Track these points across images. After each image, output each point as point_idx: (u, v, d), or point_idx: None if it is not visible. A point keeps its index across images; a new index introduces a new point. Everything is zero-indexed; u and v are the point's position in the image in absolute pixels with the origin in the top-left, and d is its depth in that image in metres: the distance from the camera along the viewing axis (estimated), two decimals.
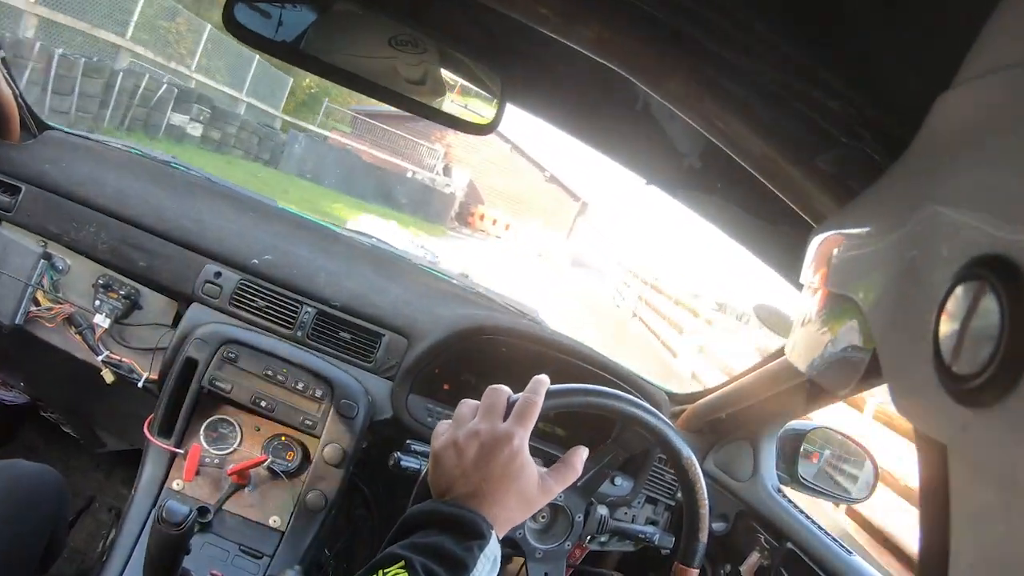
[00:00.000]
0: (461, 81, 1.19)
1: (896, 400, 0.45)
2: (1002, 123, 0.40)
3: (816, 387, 1.63)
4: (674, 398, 2.05)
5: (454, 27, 1.12)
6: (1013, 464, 0.33)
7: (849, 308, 0.57)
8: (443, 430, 1.00)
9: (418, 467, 1.53)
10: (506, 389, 1.03)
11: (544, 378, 1.06)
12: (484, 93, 1.16)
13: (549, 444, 1.87)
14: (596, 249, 30.55)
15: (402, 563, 0.81)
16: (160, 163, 2.08)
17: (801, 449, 1.92)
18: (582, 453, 1.08)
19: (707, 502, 1.32)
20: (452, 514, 0.89)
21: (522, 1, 0.88)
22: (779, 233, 1.23)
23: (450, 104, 1.18)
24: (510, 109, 1.15)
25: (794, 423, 1.91)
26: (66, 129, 2.05)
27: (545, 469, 1.02)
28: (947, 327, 0.38)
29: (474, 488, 0.92)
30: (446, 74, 1.17)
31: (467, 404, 1.04)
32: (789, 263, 1.45)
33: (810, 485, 1.94)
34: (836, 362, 0.62)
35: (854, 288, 0.57)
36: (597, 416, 1.27)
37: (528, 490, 0.96)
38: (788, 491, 1.94)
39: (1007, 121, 0.39)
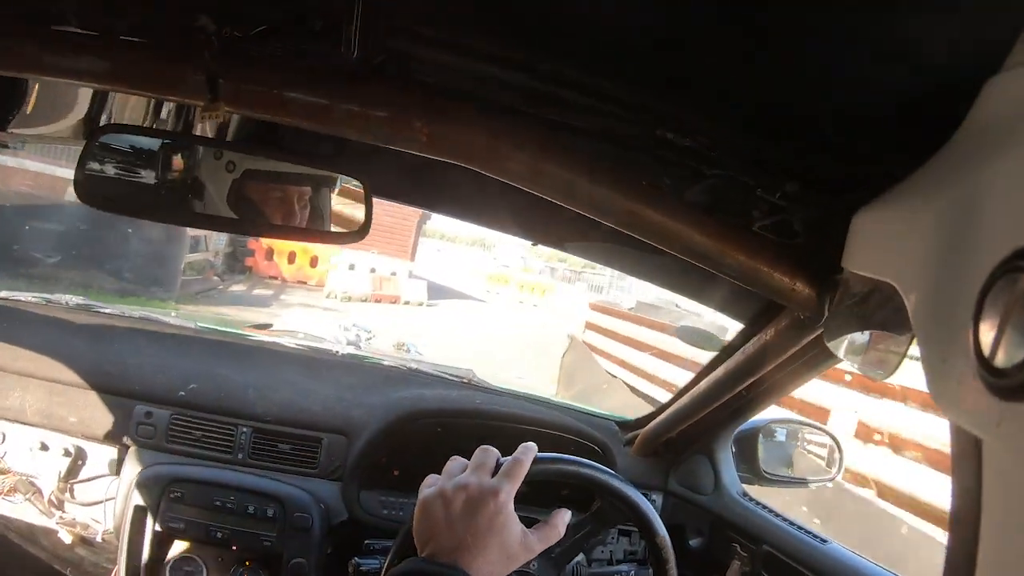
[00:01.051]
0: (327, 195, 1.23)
1: (932, 390, 0.44)
2: None
3: (757, 391, 1.68)
4: (625, 426, 2.08)
5: (305, 145, 1.16)
6: None
7: (889, 294, 0.57)
8: (432, 481, 1.02)
9: (378, 567, 1.54)
10: (495, 450, 1.06)
11: (532, 445, 1.09)
12: (348, 200, 1.19)
13: (519, 507, 1.88)
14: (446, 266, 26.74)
15: None
16: (72, 309, 2.08)
17: (757, 445, 1.96)
18: (565, 516, 1.09)
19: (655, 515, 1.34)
20: (436, 572, 0.91)
21: (348, 120, 0.91)
22: (672, 261, 1.25)
23: (322, 221, 1.22)
24: (379, 203, 1.19)
25: (746, 424, 1.95)
26: None
27: (527, 528, 1.03)
28: (988, 319, 0.37)
29: (458, 541, 0.94)
30: (310, 193, 1.20)
31: (457, 460, 1.06)
32: (688, 284, 1.50)
33: (776, 478, 1.97)
34: (875, 348, 0.63)
35: (895, 274, 0.56)
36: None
37: (511, 545, 0.98)
38: (756, 491, 1.98)
39: None
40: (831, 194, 0.92)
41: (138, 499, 1.70)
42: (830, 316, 0.91)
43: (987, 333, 0.37)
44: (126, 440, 1.82)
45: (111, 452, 1.86)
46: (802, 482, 2.04)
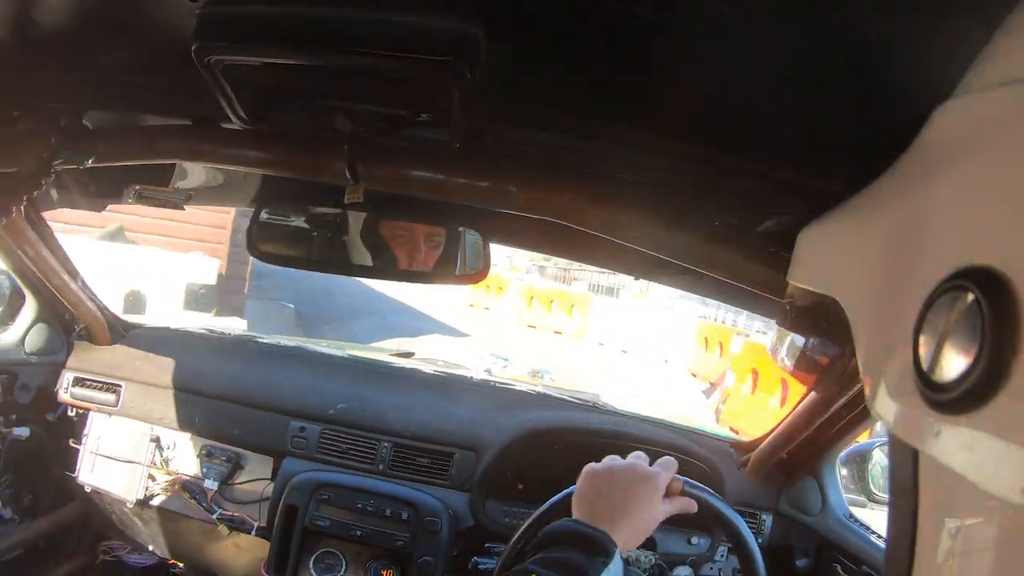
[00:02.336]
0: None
1: (871, 402, 0.46)
2: (997, 137, 0.40)
3: (852, 411, 1.69)
4: (740, 446, 2.14)
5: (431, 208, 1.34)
6: (983, 473, 0.33)
7: (832, 309, 0.58)
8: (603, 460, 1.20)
9: (493, 565, 1.68)
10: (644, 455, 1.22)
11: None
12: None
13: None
14: None
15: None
16: (233, 339, 2.37)
17: (869, 467, 1.96)
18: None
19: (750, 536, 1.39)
20: (586, 533, 1.04)
21: (458, 190, 1.07)
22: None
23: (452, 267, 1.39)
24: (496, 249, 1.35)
25: (856, 445, 1.95)
26: (148, 324, 2.36)
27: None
28: (928, 336, 0.38)
29: (616, 507, 1.10)
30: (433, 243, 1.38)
31: (614, 456, 1.23)
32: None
33: (884, 501, 1.96)
34: (814, 359, 0.67)
35: (838, 289, 0.58)
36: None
37: (653, 520, 1.14)
38: (866, 513, 1.98)
39: (1004, 135, 0.39)
40: None
41: (291, 499, 1.95)
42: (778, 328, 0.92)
43: (926, 349, 0.38)
44: (282, 450, 2.08)
45: (268, 460, 2.13)
46: None
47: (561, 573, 0.97)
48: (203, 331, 2.42)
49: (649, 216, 1.08)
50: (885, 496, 1.91)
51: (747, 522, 1.42)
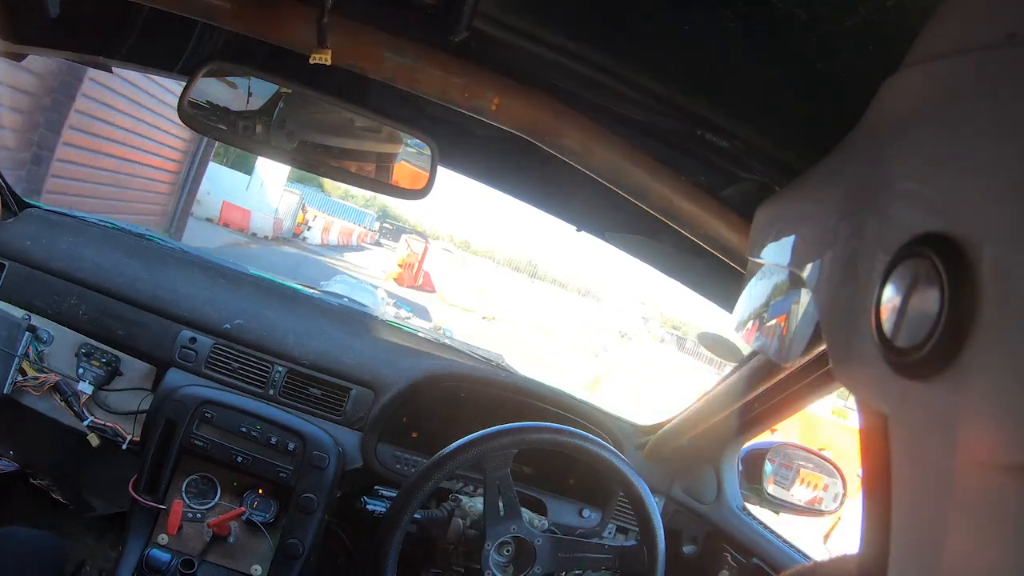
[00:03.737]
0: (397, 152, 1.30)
1: (837, 371, 0.47)
2: (948, 107, 0.41)
3: (764, 407, 1.72)
4: (641, 429, 2.13)
5: (387, 105, 1.24)
6: (951, 434, 0.34)
7: (794, 281, 0.59)
8: None
9: (383, 510, 1.61)
10: None
11: None
12: (417, 161, 1.27)
13: (520, 483, 1.94)
14: None
15: None
16: (135, 236, 2.19)
17: (765, 466, 1.99)
18: None
19: (656, 512, 1.38)
20: None
21: (431, 82, 0.99)
22: (707, 265, 1.30)
23: (388, 175, 1.30)
24: (441, 171, 1.27)
25: (755, 442, 1.98)
26: (45, 207, 2.15)
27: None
28: (889, 302, 0.39)
29: None
30: (383, 148, 1.28)
31: None
32: (719, 291, 1.55)
33: (776, 501, 2.00)
34: (780, 333, 0.64)
35: (798, 262, 0.59)
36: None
37: None
38: (755, 508, 2.02)
39: (953, 105, 0.40)
40: None
41: (170, 414, 1.81)
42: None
43: (888, 315, 0.39)
44: (167, 360, 1.93)
45: (151, 369, 1.97)
46: (801, 509, 2.07)
47: None
48: (104, 223, 2.22)
49: (621, 149, 1.03)
50: (778, 498, 1.96)
51: None
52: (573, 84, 1.02)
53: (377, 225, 42.86)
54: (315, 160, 1.23)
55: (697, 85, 0.92)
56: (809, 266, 0.56)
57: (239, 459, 1.80)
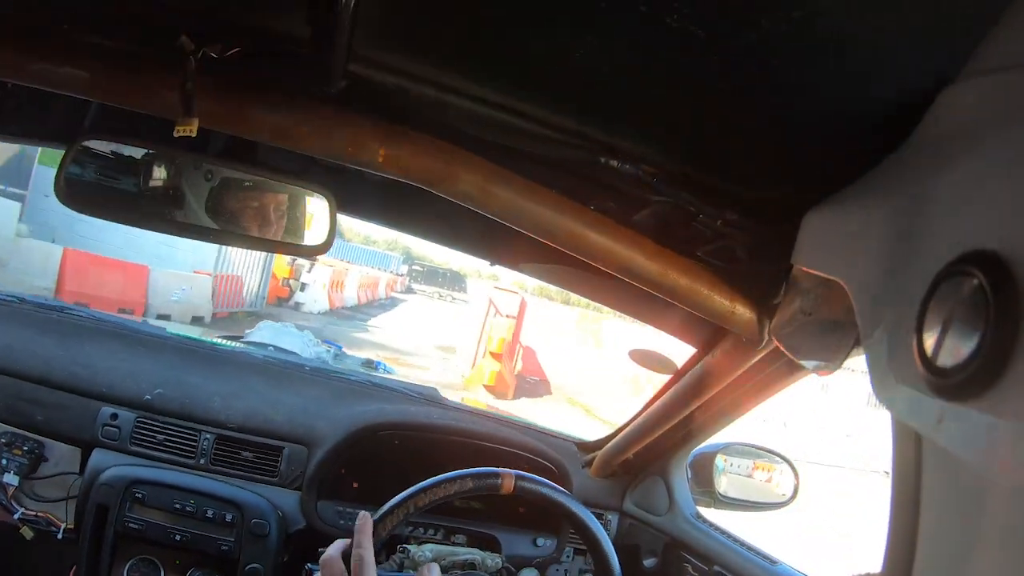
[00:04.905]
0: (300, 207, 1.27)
1: (876, 387, 0.46)
2: (1004, 121, 0.40)
3: (708, 414, 1.72)
4: (584, 446, 2.12)
5: (279, 160, 1.21)
6: (986, 457, 0.33)
7: (837, 292, 0.58)
8: None
9: None
10: (336, 556, 1.10)
11: (361, 523, 1.12)
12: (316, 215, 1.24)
13: (470, 521, 1.92)
14: None
15: None
16: (46, 310, 2.10)
17: (715, 468, 2.00)
18: (430, 574, 1.13)
19: (605, 537, 1.37)
20: None
21: (311, 139, 0.96)
22: (626, 285, 1.29)
23: (294, 232, 1.26)
24: (343, 220, 1.24)
25: (702, 446, 1.99)
26: None
27: None
28: (932, 320, 0.38)
29: None
30: (284, 205, 1.25)
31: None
32: (644, 309, 1.55)
33: (730, 501, 2.01)
34: (821, 344, 0.65)
35: (843, 273, 0.57)
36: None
37: None
38: (712, 512, 2.02)
39: (1009, 120, 0.39)
40: (770, 222, 0.96)
41: (100, 498, 1.73)
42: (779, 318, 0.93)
43: (930, 334, 0.38)
44: (91, 440, 1.84)
45: (76, 452, 1.88)
46: (756, 506, 2.08)
47: None
48: (11, 298, 2.13)
49: (521, 188, 1.02)
50: (732, 498, 1.97)
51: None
52: (465, 123, 0.99)
53: (405, 268, 39.41)
54: (209, 230, 1.19)
55: (595, 111, 0.90)
56: (854, 278, 0.55)
57: (177, 537, 1.73)
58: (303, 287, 17.29)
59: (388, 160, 0.97)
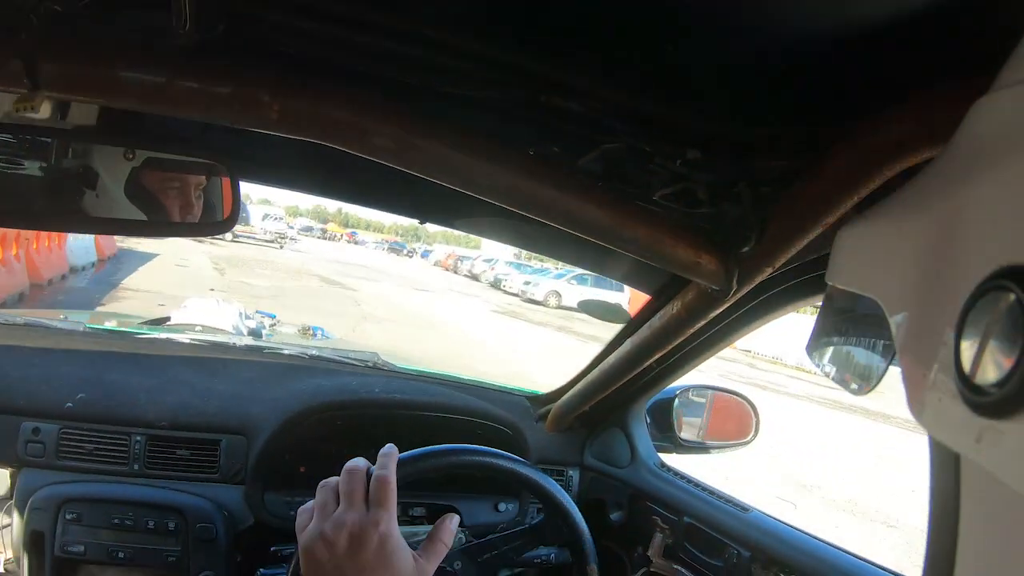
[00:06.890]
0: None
1: (912, 405, 0.44)
2: None
3: (667, 363, 1.66)
4: (536, 400, 2.06)
5: (167, 129, 1.04)
6: None
7: (872, 309, 0.57)
8: (305, 520, 0.96)
9: (284, 574, 1.46)
10: (361, 468, 0.98)
11: (389, 450, 1.02)
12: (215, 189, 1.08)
13: (427, 493, 1.83)
14: None
15: None
16: None
17: (674, 413, 1.96)
18: (450, 523, 1.06)
19: (581, 520, 1.32)
20: None
21: (189, 99, 0.80)
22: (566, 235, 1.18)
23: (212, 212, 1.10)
24: (248, 187, 1.09)
25: (658, 394, 1.94)
26: None
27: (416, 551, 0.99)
28: (970, 337, 0.37)
29: None
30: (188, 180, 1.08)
31: (327, 489, 0.98)
32: (590, 258, 1.46)
33: (692, 445, 1.98)
34: (856, 363, 0.63)
35: (878, 290, 0.56)
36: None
37: (404, 573, 0.93)
38: (677, 458, 1.98)
39: None
40: (736, 160, 0.87)
41: (34, 524, 1.59)
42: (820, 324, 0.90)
43: (968, 350, 0.37)
44: (15, 460, 1.68)
45: (3, 475, 1.72)
46: (719, 447, 2.06)
47: None
48: None
49: (447, 137, 0.89)
50: (693, 442, 1.94)
51: (554, 480, 1.34)
52: (376, 65, 0.86)
53: None
54: (146, 223, 1.02)
55: (533, 38, 0.79)
56: (888, 295, 0.53)
57: (121, 555, 1.59)
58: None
59: (283, 117, 0.84)
